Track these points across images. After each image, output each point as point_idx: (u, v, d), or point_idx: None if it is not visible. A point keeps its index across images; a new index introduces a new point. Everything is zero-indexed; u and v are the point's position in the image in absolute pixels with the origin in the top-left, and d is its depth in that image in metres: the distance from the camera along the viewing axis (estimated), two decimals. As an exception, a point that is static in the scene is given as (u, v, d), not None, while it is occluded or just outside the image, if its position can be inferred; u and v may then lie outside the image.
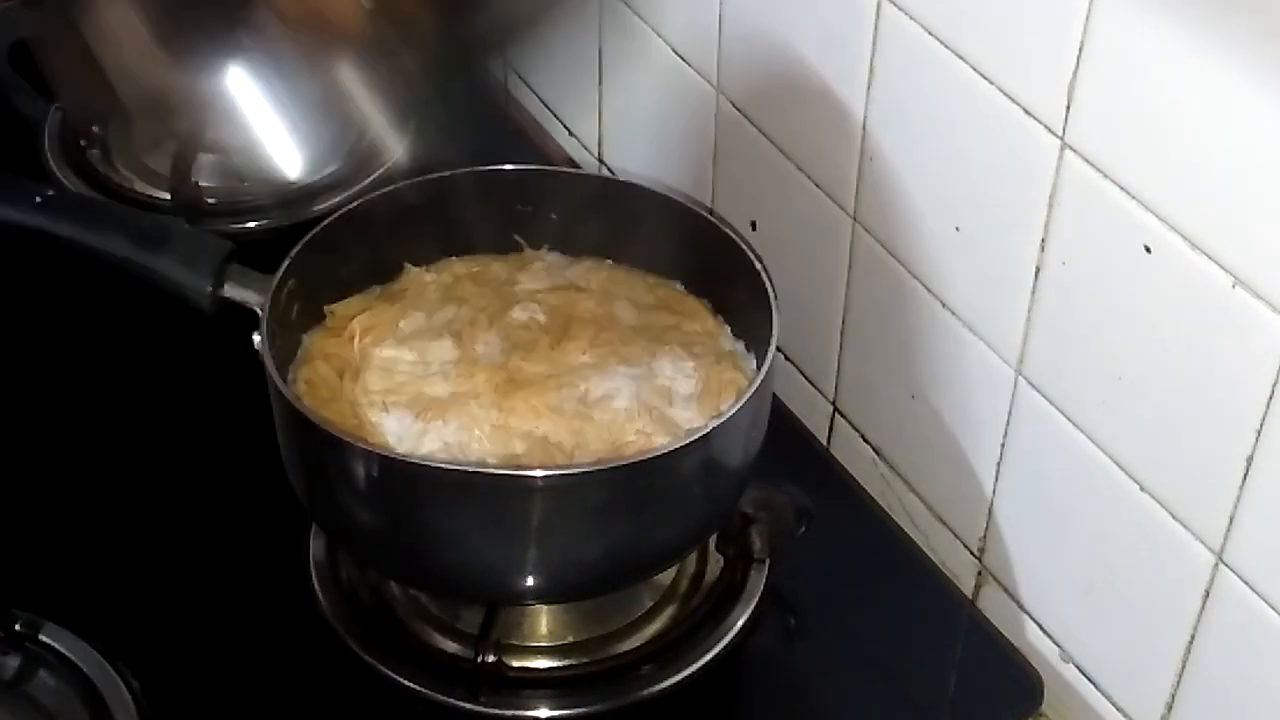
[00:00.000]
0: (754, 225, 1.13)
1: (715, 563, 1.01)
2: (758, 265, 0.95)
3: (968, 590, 1.05)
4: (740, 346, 1.00)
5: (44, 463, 1.08)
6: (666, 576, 1.00)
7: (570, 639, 0.98)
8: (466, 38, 1.21)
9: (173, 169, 1.25)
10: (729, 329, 1.00)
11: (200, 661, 0.97)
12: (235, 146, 1.25)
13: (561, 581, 0.92)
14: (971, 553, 1.04)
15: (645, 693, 0.95)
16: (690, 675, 0.96)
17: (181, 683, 0.95)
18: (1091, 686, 0.97)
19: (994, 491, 1.00)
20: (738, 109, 1.11)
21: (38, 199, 0.97)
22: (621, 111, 1.27)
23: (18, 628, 0.95)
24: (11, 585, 0.98)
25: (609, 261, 1.04)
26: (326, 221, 0.99)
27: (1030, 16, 0.84)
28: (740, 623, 0.98)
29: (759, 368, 0.91)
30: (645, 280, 1.03)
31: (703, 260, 1.00)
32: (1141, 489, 0.88)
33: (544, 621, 0.98)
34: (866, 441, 1.11)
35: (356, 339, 0.98)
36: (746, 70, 1.09)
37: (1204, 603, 0.86)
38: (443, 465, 0.88)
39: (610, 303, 1.01)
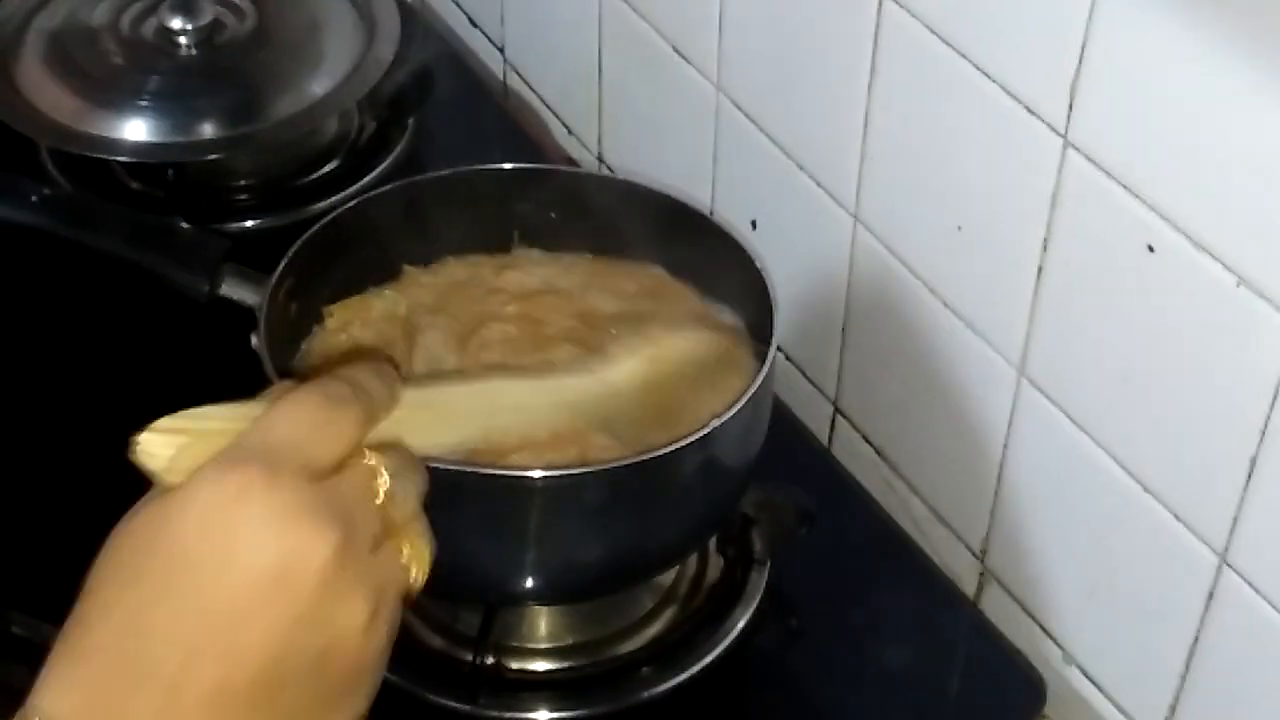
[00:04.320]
0: (754, 225, 1.13)
1: (716, 564, 1.01)
2: (758, 265, 0.95)
3: (970, 592, 1.05)
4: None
5: (44, 463, 1.08)
6: (667, 578, 1.00)
7: (570, 641, 0.97)
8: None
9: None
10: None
11: (198, 663, 0.96)
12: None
13: (561, 583, 0.92)
14: (974, 554, 1.04)
15: (645, 695, 0.95)
16: (691, 677, 0.95)
17: (179, 685, 0.94)
18: (1094, 688, 0.97)
19: (996, 492, 1.00)
20: (738, 109, 1.10)
21: (36, 199, 0.97)
22: (621, 111, 1.27)
23: (16, 630, 0.94)
24: (11, 587, 0.98)
25: (609, 261, 1.04)
26: (325, 221, 0.98)
27: (1033, 14, 0.84)
28: (741, 624, 0.98)
29: (759, 368, 0.91)
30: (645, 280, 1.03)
31: (703, 260, 1.00)
32: (1145, 490, 0.88)
33: (543, 623, 0.97)
34: (868, 442, 1.11)
35: (355, 339, 0.98)
36: (746, 70, 1.08)
37: (1207, 604, 0.86)
38: (441, 465, 0.87)
39: (610, 303, 1.00)
